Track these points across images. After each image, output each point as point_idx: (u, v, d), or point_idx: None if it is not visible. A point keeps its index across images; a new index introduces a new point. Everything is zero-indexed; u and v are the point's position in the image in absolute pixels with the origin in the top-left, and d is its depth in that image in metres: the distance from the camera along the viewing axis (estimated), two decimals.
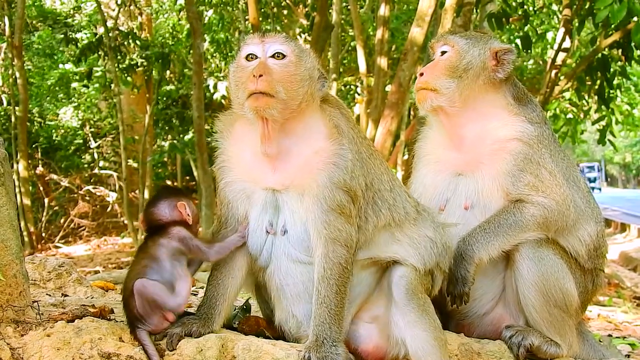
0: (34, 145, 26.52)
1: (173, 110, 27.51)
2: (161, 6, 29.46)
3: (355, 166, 3.62)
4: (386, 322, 3.76)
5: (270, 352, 3.42)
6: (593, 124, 17.02)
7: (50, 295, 4.51)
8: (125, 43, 21.50)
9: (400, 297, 3.68)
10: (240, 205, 3.74)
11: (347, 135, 3.67)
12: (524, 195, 4.14)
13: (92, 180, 28.55)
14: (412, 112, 21.13)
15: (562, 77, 15.58)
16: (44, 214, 25.78)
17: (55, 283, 4.85)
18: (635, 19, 10.05)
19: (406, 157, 15.92)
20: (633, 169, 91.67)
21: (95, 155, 28.86)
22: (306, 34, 22.18)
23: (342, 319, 3.55)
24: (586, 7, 12.66)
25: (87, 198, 27.64)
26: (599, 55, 13.35)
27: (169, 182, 30.96)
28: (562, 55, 15.09)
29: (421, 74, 4.41)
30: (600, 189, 68.63)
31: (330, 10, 19.68)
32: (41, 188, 26.52)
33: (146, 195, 23.50)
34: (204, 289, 3.85)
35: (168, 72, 26.04)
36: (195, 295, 5.76)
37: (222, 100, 26.56)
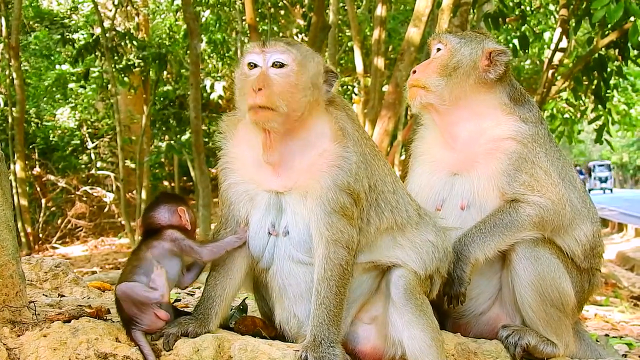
0: (31, 146, 26.52)
1: (170, 110, 27.53)
2: (158, 7, 29.50)
3: (360, 168, 3.61)
4: (384, 323, 3.75)
5: (267, 352, 3.42)
6: (589, 123, 17.08)
7: (46, 296, 4.50)
8: (122, 44, 21.50)
9: (399, 297, 3.67)
10: (242, 207, 3.73)
11: (352, 138, 3.65)
12: (520, 195, 4.14)
13: (89, 181, 28.55)
14: (409, 113, 21.11)
15: (559, 77, 15.61)
16: (41, 214, 25.77)
17: (51, 283, 4.85)
18: (632, 19, 10.07)
19: (403, 157, 15.94)
20: (630, 169, 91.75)
21: (93, 156, 28.86)
22: (303, 35, 22.19)
23: (341, 320, 3.55)
24: (583, 7, 12.66)
25: (84, 199, 27.64)
26: (596, 55, 13.38)
27: (166, 183, 30.95)
28: (559, 55, 15.14)
29: (414, 72, 4.43)
30: (611, 190, 64.22)
31: (327, 11, 19.71)
32: (38, 189, 26.51)
33: (143, 196, 23.52)
34: (201, 289, 3.84)
35: (165, 72, 26.06)
36: (192, 295, 5.77)
37: (219, 101, 26.59)
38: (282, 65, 3.53)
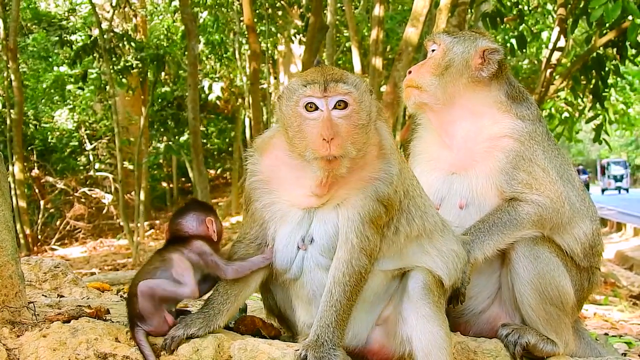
0: (29, 148, 26.55)
1: (168, 111, 27.57)
2: (156, 8, 29.51)
3: (399, 178, 3.59)
4: (394, 321, 3.71)
5: (267, 351, 3.41)
6: (587, 122, 17.08)
7: (46, 296, 4.50)
8: (120, 45, 21.54)
9: (417, 290, 3.63)
10: (272, 224, 3.68)
11: (391, 149, 3.63)
12: (518, 194, 4.14)
13: (87, 183, 28.59)
14: (407, 113, 21.15)
15: (557, 77, 15.64)
16: (40, 216, 25.78)
17: (51, 284, 4.85)
18: (630, 18, 10.09)
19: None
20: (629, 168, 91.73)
21: (91, 158, 28.89)
22: (301, 35, 22.19)
23: (347, 325, 3.53)
24: (581, 6, 12.68)
25: (83, 200, 27.66)
26: (594, 54, 13.39)
27: (164, 184, 30.96)
28: (557, 55, 15.14)
29: (409, 72, 4.45)
30: (627, 190, 59.22)
31: (325, 11, 19.73)
32: (37, 190, 26.53)
33: (142, 197, 23.51)
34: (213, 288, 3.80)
35: (163, 73, 26.09)
36: None
37: (217, 102, 26.61)
38: (345, 106, 3.44)
